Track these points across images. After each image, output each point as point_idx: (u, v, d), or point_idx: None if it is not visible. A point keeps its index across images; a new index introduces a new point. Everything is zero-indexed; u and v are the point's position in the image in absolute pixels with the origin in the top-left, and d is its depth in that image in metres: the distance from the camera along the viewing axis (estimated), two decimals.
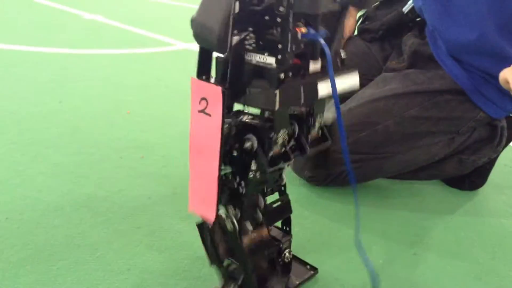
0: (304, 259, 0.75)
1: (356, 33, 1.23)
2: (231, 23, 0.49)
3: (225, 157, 0.56)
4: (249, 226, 0.62)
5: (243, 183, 0.58)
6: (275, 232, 0.70)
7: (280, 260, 0.69)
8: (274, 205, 0.67)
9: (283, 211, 0.69)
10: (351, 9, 1.22)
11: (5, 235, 0.80)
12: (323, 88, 0.54)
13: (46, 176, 0.99)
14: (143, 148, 1.14)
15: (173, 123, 1.29)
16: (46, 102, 1.38)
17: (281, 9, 0.49)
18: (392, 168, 1.01)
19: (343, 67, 0.58)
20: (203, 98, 0.53)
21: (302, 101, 0.52)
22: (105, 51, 1.95)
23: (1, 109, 1.31)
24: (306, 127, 0.60)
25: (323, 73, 0.54)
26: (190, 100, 0.53)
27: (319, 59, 0.54)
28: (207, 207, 0.55)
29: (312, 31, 0.51)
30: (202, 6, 0.50)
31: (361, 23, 1.23)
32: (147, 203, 0.91)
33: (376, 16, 1.21)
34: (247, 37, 0.51)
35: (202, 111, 0.53)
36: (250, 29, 0.51)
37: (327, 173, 0.98)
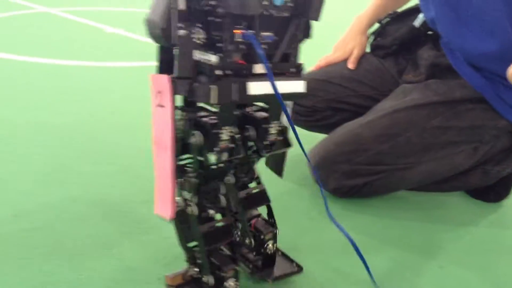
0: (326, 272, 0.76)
1: (368, 50, 1.25)
2: (173, 17, 0.53)
3: (184, 149, 0.61)
4: (212, 213, 0.67)
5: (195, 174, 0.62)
6: (260, 224, 0.73)
7: (262, 250, 0.72)
8: (248, 192, 0.71)
9: (259, 198, 0.72)
10: (361, 27, 1.24)
11: (35, 244, 0.81)
12: (255, 87, 0.58)
13: (74, 186, 1.01)
14: None
15: None
16: (71, 113, 1.41)
17: (219, 10, 0.54)
18: (415, 179, 1.01)
19: (294, 73, 0.62)
20: (159, 92, 0.57)
21: (233, 97, 0.56)
22: (126, 64, 1.99)
23: (27, 120, 1.34)
24: (263, 131, 0.64)
25: (255, 76, 0.59)
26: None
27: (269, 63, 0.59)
28: (164, 204, 0.57)
29: (248, 33, 0.55)
30: (151, 5, 0.55)
31: (373, 40, 1.24)
32: None
33: (387, 32, 1.21)
34: (193, 32, 0.55)
35: (159, 105, 0.57)
36: (199, 25, 0.56)
37: (351, 185, 0.98)
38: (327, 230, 0.90)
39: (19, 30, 2.51)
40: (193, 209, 0.63)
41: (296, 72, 0.63)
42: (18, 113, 1.39)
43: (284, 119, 0.67)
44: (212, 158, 0.62)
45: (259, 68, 0.59)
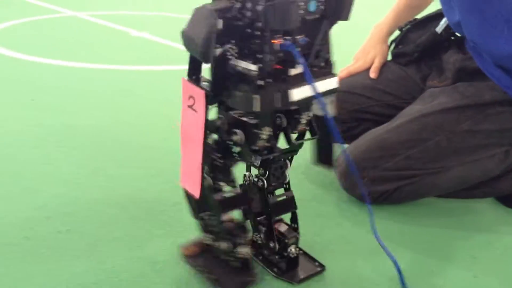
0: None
1: (390, 58, 1.24)
2: (213, 40, 0.56)
3: (218, 146, 0.68)
4: (223, 185, 0.72)
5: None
6: (283, 228, 0.76)
7: (286, 254, 0.75)
8: (278, 199, 0.74)
9: (287, 205, 0.75)
10: (381, 35, 1.23)
11: (67, 246, 0.83)
12: (297, 94, 0.61)
13: (104, 189, 1.03)
14: None
15: None
16: (98, 117, 1.43)
17: (259, 24, 0.56)
18: (446, 185, 1.00)
19: (326, 70, 0.65)
20: (191, 96, 0.63)
21: (275, 105, 0.60)
22: (152, 68, 2.01)
23: (57, 123, 1.37)
24: (294, 121, 0.67)
25: (292, 77, 0.61)
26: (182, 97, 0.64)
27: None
28: (193, 185, 0.66)
29: (287, 43, 0.58)
30: (191, 22, 0.58)
31: (395, 47, 1.23)
32: None
33: (409, 39, 1.20)
34: (231, 48, 0.60)
35: (190, 106, 0.63)
36: (233, 41, 0.60)
37: (380, 191, 0.97)
38: (355, 236, 0.90)
39: (47, 34, 2.56)
40: (208, 181, 0.69)
41: (325, 66, 0.66)
42: (48, 116, 1.42)
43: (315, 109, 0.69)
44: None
45: (294, 70, 0.62)
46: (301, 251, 0.80)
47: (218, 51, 0.59)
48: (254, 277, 0.74)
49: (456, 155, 0.97)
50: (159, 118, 1.44)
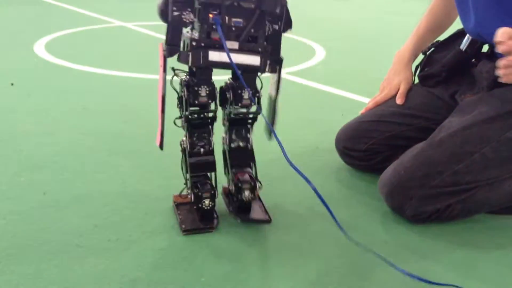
0: None
1: (416, 81, 1.24)
2: (170, 4, 0.81)
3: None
4: (199, 150, 0.93)
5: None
6: (243, 176, 0.93)
7: (239, 197, 0.92)
8: (235, 148, 0.95)
9: (244, 156, 0.96)
10: (404, 61, 1.23)
11: (113, 256, 0.85)
12: (214, 55, 0.82)
13: (154, 199, 1.05)
14: None
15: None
16: (149, 125, 1.46)
17: (196, 1, 0.81)
18: (498, 198, 0.98)
19: (258, 52, 0.85)
20: (160, 56, 0.85)
21: (201, 62, 0.82)
22: None
23: (108, 131, 1.41)
24: (238, 96, 0.89)
25: (231, 49, 0.82)
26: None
27: (236, 41, 0.84)
28: (157, 136, 0.91)
29: (216, 17, 0.80)
30: None
31: (420, 71, 1.22)
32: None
33: (434, 60, 1.20)
34: (183, 13, 0.82)
35: (160, 65, 0.86)
36: (189, 9, 0.82)
37: (430, 210, 0.95)
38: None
39: (98, 44, 2.66)
40: (187, 146, 0.93)
41: (261, 52, 0.85)
42: (99, 125, 1.47)
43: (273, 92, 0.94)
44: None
45: (230, 45, 0.82)
46: (257, 201, 0.99)
47: (175, 13, 0.81)
48: (208, 226, 0.94)
49: (505, 165, 0.95)
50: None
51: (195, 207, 0.93)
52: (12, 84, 1.82)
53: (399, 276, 0.80)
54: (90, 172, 1.17)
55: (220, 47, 0.81)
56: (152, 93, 1.68)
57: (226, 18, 0.82)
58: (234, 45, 0.83)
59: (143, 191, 1.09)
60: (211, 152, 0.94)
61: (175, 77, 0.90)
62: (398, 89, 1.21)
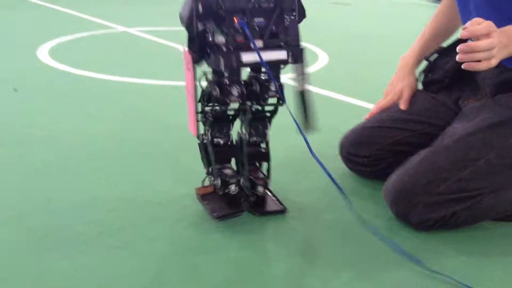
0: None
1: (421, 87, 1.24)
2: (194, 18, 0.87)
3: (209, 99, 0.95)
4: (219, 142, 1.00)
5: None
6: (256, 173, 1.02)
7: (255, 192, 1.00)
8: (256, 149, 1.01)
9: (260, 156, 1.03)
10: (408, 67, 1.23)
11: (118, 264, 0.85)
12: (246, 57, 0.87)
13: (158, 206, 1.05)
14: None
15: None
16: (153, 132, 1.47)
17: (220, 10, 0.86)
18: (504, 205, 0.97)
19: (282, 47, 0.91)
20: (187, 60, 0.92)
21: (233, 64, 0.87)
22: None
23: (112, 137, 1.41)
24: (264, 87, 0.94)
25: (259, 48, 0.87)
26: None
27: (260, 39, 0.89)
28: (192, 127, 1.00)
29: (241, 21, 0.86)
30: (183, 4, 0.88)
31: (424, 77, 1.22)
32: None
33: (437, 66, 1.20)
34: (208, 25, 0.87)
35: (187, 68, 0.93)
36: (211, 20, 0.87)
37: (436, 217, 0.95)
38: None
39: (101, 49, 2.67)
40: (208, 138, 0.99)
41: (283, 46, 0.91)
42: (103, 130, 1.47)
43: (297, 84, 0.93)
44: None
45: (257, 44, 0.88)
46: (270, 195, 1.06)
47: (201, 28, 0.88)
48: (235, 210, 1.00)
49: (510, 171, 0.95)
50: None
51: (221, 193, 1.00)
52: (15, 90, 1.82)
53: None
54: (94, 177, 1.17)
55: (247, 48, 0.87)
56: (155, 97, 1.69)
57: (251, 19, 0.89)
58: (259, 43, 0.89)
59: (147, 197, 1.09)
60: (229, 145, 1.01)
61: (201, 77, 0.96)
62: (402, 95, 1.21)
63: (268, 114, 1.00)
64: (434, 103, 1.17)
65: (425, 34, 1.25)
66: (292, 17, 0.91)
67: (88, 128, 1.49)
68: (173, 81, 2.03)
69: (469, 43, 0.89)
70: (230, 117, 0.99)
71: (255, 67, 0.94)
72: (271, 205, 1.05)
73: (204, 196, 1.05)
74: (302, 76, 0.94)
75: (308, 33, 3.29)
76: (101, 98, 1.80)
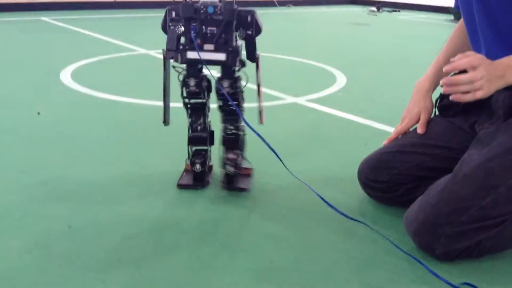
0: None
1: (437, 113, 1.23)
2: (167, 21, 1.16)
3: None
4: (196, 128, 1.27)
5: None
6: (230, 155, 1.23)
7: (225, 171, 1.23)
8: (227, 135, 1.25)
9: (234, 141, 1.25)
10: (424, 91, 1.23)
11: None
12: (190, 55, 1.13)
13: (174, 232, 1.05)
14: None
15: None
16: (172, 156, 1.48)
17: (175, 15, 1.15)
18: None
19: (229, 51, 1.13)
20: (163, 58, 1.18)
21: (182, 59, 1.14)
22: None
23: (131, 163, 1.43)
24: (219, 84, 1.19)
25: (205, 50, 1.13)
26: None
27: (212, 44, 1.13)
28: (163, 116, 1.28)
29: (193, 27, 1.12)
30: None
31: (440, 102, 1.21)
32: None
33: None
34: (177, 27, 1.14)
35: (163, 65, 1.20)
36: (180, 24, 1.14)
37: (460, 248, 0.93)
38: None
39: (122, 71, 2.72)
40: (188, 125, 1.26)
41: (230, 50, 1.12)
42: (122, 154, 1.49)
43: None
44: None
45: (207, 46, 1.13)
46: (240, 173, 1.25)
47: (171, 27, 1.14)
48: (198, 184, 1.26)
49: None
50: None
51: (189, 169, 1.26)
52: (38, 113, 1.86)
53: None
54: (114, 203, 1.18)
55: (200, 49, 1.12)
56: (175, 121, 1.70)
57: (203, 27, 1.13)
58: (211, 46, 1.13)
59: (166, 223, 1.09)
60: (204, 130, 1.25)
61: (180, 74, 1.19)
62: (419, 119, 1.21)
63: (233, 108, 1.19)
64: (451, 128, 1.16)
65: (440, 58, 1.25)
66: (249, 32, 1.15)
67: (109, 152, 1.51)
68: None
69: (451, 77, 0.95)
70: (201, 106, 1.23)
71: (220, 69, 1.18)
72: (238, 183, 1.25)
73: (186, 171, 1.31)
74: (256, 76, 1.21)
75: (326, 55, 3.33)
76: (122, 122, 1.82)
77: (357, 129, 1.83)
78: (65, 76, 2.48)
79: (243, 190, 1.25)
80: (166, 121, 1.24)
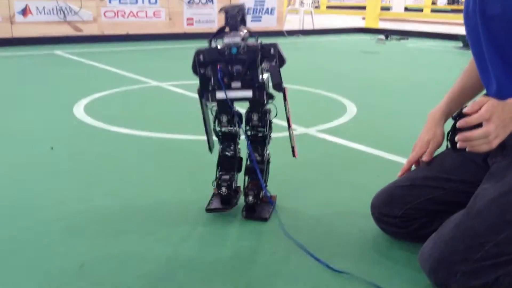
0: None
1: (449, 146, 1.22)
2: (197, 64, 1.22)
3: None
4: (226, 154, 1.35)
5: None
6: (251, 184, 1.30)
7: (247, 201, 1.29)
8: (250, 165, 1.30)
9: (259, 171, 1.28)
10: (435, 120, 1.24)
11: None
12: (219, 95, 1.21)
13: (186, 270, 1.04)
14: None
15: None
16: (181, 191, 1.48)
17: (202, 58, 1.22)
18: None
19: (255, 87, 1.22)
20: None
21: (212, 99, 1.23)
22: None
23: (143, 199, 1.43)
24: (249, 116, 1.29)
25: (233, 88, 1.22)
26: None
27: (239, 81, 1.21)
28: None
29: (219, 69, 1.20)
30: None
31: (452, 135, 1.20)
32: None
33: None
34: (207, 70, 1.22)
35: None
36: (209, 67, 1.23)
37: (479, 284, 0.92)
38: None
39: (134, 104, 2.75)
40: (219, 151, 1.34)
41: (257, 86, 1.22)
42: (133, 192, 1.49)
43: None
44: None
45: (235, 84, 1.21)
46: (268, 205, 1.32)
47: (202, 71, 1.23)
48: (221, 207, 1.31)
49: None
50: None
51: (216, 192, 1.32)
52: (52, 148, 1.89)
53: None
54: (125, 241, 1.18)
55: (228, 87, 1.21)
56: (188, 155, 1.71)
57: (230, 67, 1.20)
58: (238, 84, 1.21)
59: (180, 262, 1.09)
60: (234, 156, 1.33)
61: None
62: (428, 147, 1.21)
63: (259, 138, 1.31)
64: (463, 161, 1.16)
65: (454, 89, 1.26)
66: (273, 63, 1.21)
67: (120, 187, 1.52)
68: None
69: (465, 133, 0.95)
70: (232, 136, 1.32)
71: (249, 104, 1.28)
72: (259, 212, 1.30)
73: (214, 195, 1.36)
74: (285, 109, 1.27)
75: (336, 84, 3.35)
76: (134, 155, 1.83)
77: (368, 160, 1.82)
78: (78, 110, 2.52)
79: (262, 219, 1.28)
80: (211, 149, 1.35)
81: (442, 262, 0.93)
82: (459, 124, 0.96)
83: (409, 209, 1.14)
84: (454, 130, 1.21)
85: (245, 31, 1.21)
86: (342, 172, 1.69)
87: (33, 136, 2.08)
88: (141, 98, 2.91)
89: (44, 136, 2.07)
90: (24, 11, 5.35)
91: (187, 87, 3.13)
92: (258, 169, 1.25)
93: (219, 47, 1.20)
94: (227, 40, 1.19)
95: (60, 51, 4.90)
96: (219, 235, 1.22)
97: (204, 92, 1.23)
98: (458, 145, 0.96)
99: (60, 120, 2.34)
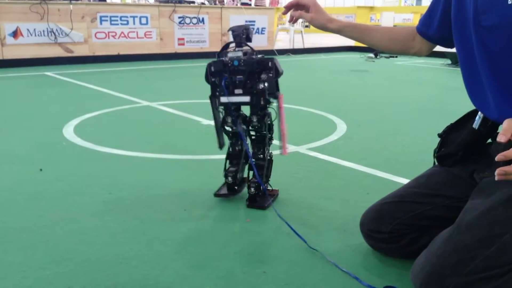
0: None
1: (436, 163, 1.24)
2: (209, 73, 1.51)
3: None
4: (235, 149, 1.59)
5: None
6: (254, 178, 1.51)
7: (249, 191, 1.52)
8: (257, 161, 1.55)
9: (258, 166, 1.53)
10: (325, 13, 1.36)
11: None
12: (223, 99, 1.49)
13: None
14: None
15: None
16: (172, 211, 1.47)
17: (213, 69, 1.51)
18: None
19: (254, 93, 1.48)
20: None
21: (217, 104, 1.51)
22: (222, 156, 2.07)
23: (133, 218, 1.42)
24: (249, 119, 1.52)
25: (235, 94, 1.49)
26: None
27: (240, 88, 1.48)
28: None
29: (224, 78, 1.47)
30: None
31: (438, 151, 1.22)
32: None
33: (449, 140, 1.21)
34: (217, 79, 1.49)
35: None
36: (217, 76, 1.50)
37: None
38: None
39: (125, 124, 2.74)
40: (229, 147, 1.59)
41: (255, 93, 1.47)
42: (123, 211, 1.48)
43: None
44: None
45: (237, 91, 1.48)
46: (260, 193, 1.52)
47: (212, 79, 1.48)
48: (227, 193, 1.57)
49: None
50: (232, 209, 1.46)
51: (224, 181, 1.58)
52: (41, 170, 1.87)
53: None
54: (115, 263, 1.17)
55: (231, 93, 1.47)
56: (179, 175, 1.71)
57: (233, 77, 1.46)
58: (239, 91, 1.47)
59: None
60: (240, 150, 1.56)
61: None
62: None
63: (259, 137, 1.54)
64: (450, 177, 1.17)
65: (360, 24, 1.37)
66: (270, 75, 1.44)
67: (109, 208, 1.50)
68: (199, 155, 2.06)
69: (506, 168, 0.88)
70: (240, 134, 1.52)
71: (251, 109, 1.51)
72: (260, 202, 1.51)
73: (224, 184, 1.60)
74: (277, 113, 1.48)
75: (326, 102, 3.37)
76: (123, 176, 1.82)
77: (358, 177, 1.83)
78: (68, 131, 2.51)
79: (262, 208, 1.49)
80: (220, 146, 1.54)
81: (434, 276, 0.93)
82: (498, 158, 0.89)
83: (398, 224, 1.14)
84: (441, 147, 1.23)
85: (247, 47, 1.45)
86: (331, 189, 1.69)
87: (21, 157, 2.06)
88: (131, 118, 2.91)
89: (32, 158, 2.05)
90: (15, 33, 5.36)
91: (177, 106, 3.14)
92: (254, 165, 1.49)
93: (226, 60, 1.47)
94: (231, 54, 1.45)
95: (51, 73, 4.90)
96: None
97: (213, 97, 1.49)
98: (496, 178, 0.89)
99: (49, 141, 2.33)
